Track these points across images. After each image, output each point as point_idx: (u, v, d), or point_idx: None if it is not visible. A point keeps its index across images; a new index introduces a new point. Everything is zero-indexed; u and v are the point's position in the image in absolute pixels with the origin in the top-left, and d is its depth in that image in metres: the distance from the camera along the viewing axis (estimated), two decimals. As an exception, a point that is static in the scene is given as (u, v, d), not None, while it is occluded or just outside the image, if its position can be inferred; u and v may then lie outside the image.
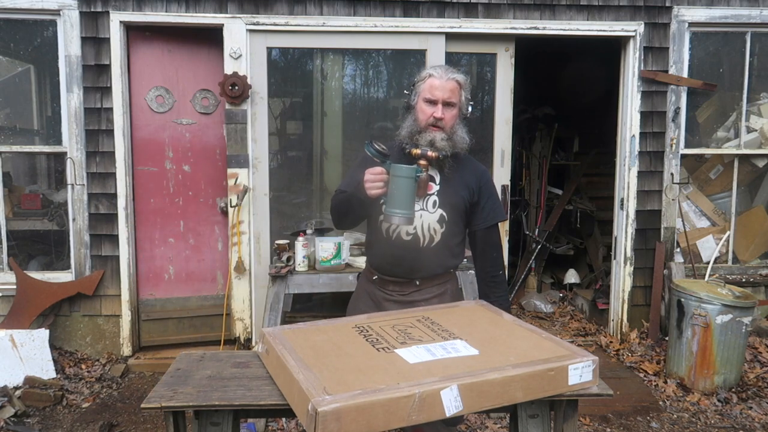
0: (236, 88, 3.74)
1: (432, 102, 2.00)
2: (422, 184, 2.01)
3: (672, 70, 4.07)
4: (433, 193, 2.05)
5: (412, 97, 2.07)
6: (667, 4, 4.01)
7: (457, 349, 1.54)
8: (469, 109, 2.09)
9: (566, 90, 5.93)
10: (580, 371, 1.46)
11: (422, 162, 1.97)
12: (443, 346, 1.56)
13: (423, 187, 2.02)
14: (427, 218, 2.04)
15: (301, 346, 1.61)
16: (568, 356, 1.49)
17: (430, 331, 1.68)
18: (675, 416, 3.25)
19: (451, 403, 1.32)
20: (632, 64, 4.06)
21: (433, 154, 1.97)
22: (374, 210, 2.07)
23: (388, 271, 2.11)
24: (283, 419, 3.10)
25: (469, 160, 2.17)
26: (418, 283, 2.09)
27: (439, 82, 1.99)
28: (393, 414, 1.28)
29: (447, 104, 2.00)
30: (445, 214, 2.04)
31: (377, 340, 1.63)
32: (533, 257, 5.53)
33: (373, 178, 1.88)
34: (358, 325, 1.75)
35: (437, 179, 2.07)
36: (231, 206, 3.88)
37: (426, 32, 3.90)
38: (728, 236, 4.31)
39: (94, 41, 3.77)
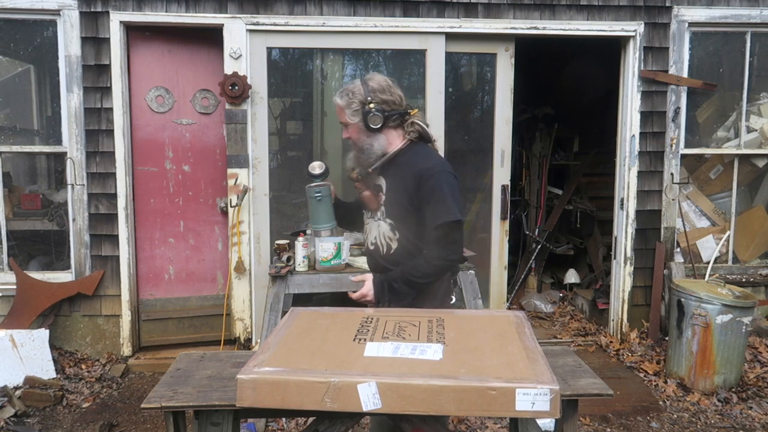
0: (236, 88, 3.74)
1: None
2: (367, 200, 2.15)
3: (672, 70, 4.07)
4: (383, 203, 2.10)
5: None
6: (667, 4, 4.01)
7: (425, 352, 1.53)
8: (369, 116, 2.01)
9: (566, 90, 5.93)
10: (532, 398, 1.35)
11: (357, 184, 2.18)
12: (415, 347, 1.56)
13: (370, 202, 2.14)
14: (382, 228, 2.10)
15: (299, 326, 1.73)
16: (522, 379, 1.39)
17: (425, 332, 1.68)
18: (675, 416, 3.25)
19: (369, 399, 1.36)
20: (632, 64, 4.06)
21: (353, 175, 2.17)
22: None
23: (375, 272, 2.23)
24: (283, 419, 3.10)
25: (408, 162, 2.05)
26: None
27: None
28: (306, 395, 1.37)
29: (344, 124, 2.09)
30: (393, 222, 2.07)
31: (366, 331, 1.67)
32: (533, 257, 5.53)
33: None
34: (367, 316, 1.80)
35: (384, 188, 2.09)
36: (231, 206, 3.88)
37: (426, 32, 3.90)
38: (728, 236, 4.31)
39: (94, 41, 3.77)
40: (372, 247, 2.15)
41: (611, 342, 4.22)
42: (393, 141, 2.07)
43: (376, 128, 2.02)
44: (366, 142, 2.04)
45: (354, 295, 2.11)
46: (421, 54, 3.98)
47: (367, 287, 2.07)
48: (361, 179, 2.14)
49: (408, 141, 2.07)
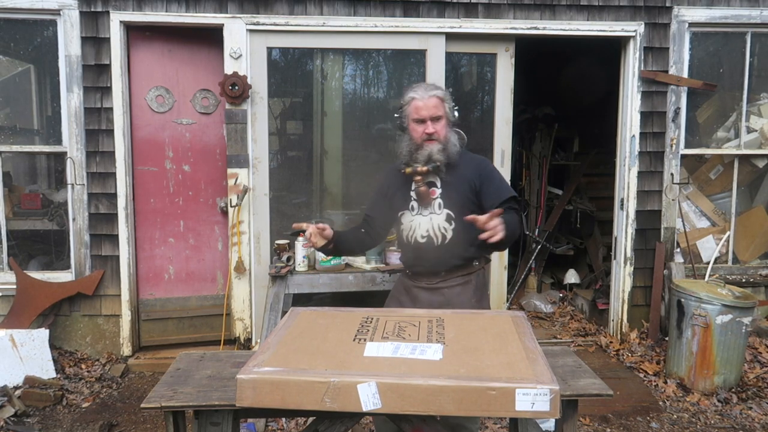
0: (236, 88, 3.74)
1: (420, 121, 2.21)
2: (424, 195, 2.22)
3: (672, 71, 4.07)
4: (437, 197, 2.25)
5: (403, 120, 2.28)
6: (667, 4, 4.01)
7: (425, 352, 1.53)
8: (455, 114, 2.30)
9: (566, 90, 5.93)
10: (532, 398, 1.36)
11: (417, 178, 2.21)
12: (415, 347, 1.56)
13: (425, 197, 2.23)
14: (436, 220, 2.23)
15: (298, 325, 1.73)
16: (522, 380, 1.39)
17: (425, 332, 1.68)
18: (675, 416, 3.25)
19: (369, 399, 1.37)
20: (632, 65, 4.06)
21: (423, 169, 2.19)
22: (396, 219, 2.34)
23: (415, 267, 2.33)
24: (283, 419, 3.10)
25: (465, 155, 2.32)
26: (443, 273, 2.27)
27: (422, 102, 2.20)
28: (306, 395, 1.37)
29: (434, 118, 2.21)
30: (451, 212, 2.22)
31: (366, 331, 1.68)
32: (533, 257, 5.53)
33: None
34: (368, 316, 1.82)
35: (438, 183, 2.26)
36: (231, 206, 3.88)
37: (426, 32, 3.90)
38: (728, 236, 4.31)
39: (94, 41, 3.77)
40: (423, 240, 2.24)
41: (611, 342, 4.22)
42: None
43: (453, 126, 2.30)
44: (453, 137, 2.26)
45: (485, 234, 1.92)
46: (421, 54, 3.98)
47: (496, 221, 1.91)
48: (425, 173, 2.21)
49: None
